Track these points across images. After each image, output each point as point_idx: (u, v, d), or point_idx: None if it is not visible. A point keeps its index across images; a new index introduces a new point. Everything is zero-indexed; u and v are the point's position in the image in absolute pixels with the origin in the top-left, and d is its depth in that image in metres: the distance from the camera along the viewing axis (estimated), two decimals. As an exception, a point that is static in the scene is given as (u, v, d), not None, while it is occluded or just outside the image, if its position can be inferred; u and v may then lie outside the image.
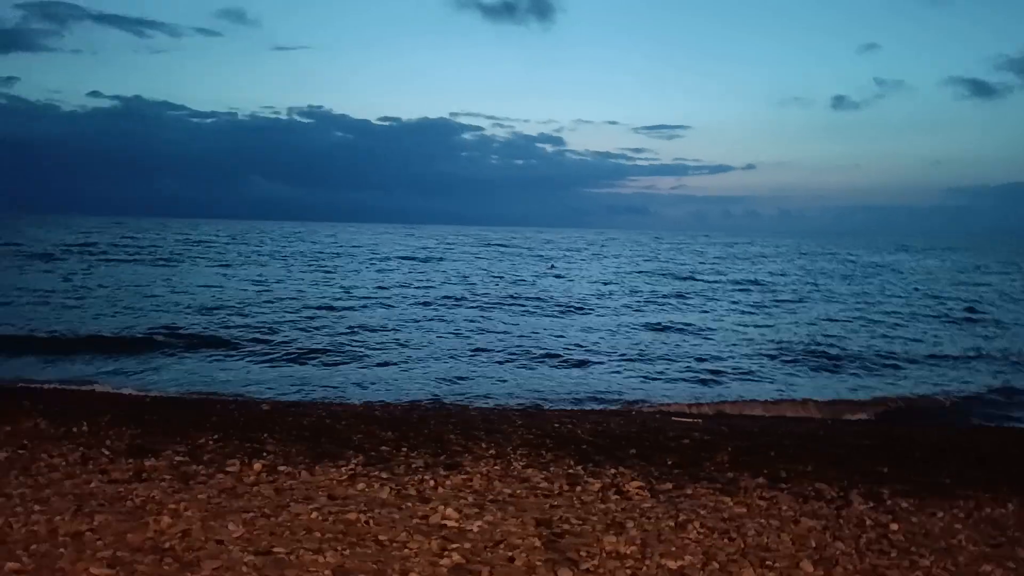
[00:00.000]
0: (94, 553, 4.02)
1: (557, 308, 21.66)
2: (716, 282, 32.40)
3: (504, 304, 22.10)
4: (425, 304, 21.45)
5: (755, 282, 32.64)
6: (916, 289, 31.03)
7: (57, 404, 8.27)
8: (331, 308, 19.79)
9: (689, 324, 18.98)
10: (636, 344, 15.91)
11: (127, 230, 74.36)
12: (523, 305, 22.13)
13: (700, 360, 14.24)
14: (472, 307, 21.24)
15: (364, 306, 20.61)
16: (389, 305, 21.10)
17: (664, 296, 26.09)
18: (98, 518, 4.54)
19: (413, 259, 44.52)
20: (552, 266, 40.23)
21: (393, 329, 16.63)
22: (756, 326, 19.15)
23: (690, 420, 9.25)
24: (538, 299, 23.60)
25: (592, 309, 21.88)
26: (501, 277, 32.52)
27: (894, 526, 5.18)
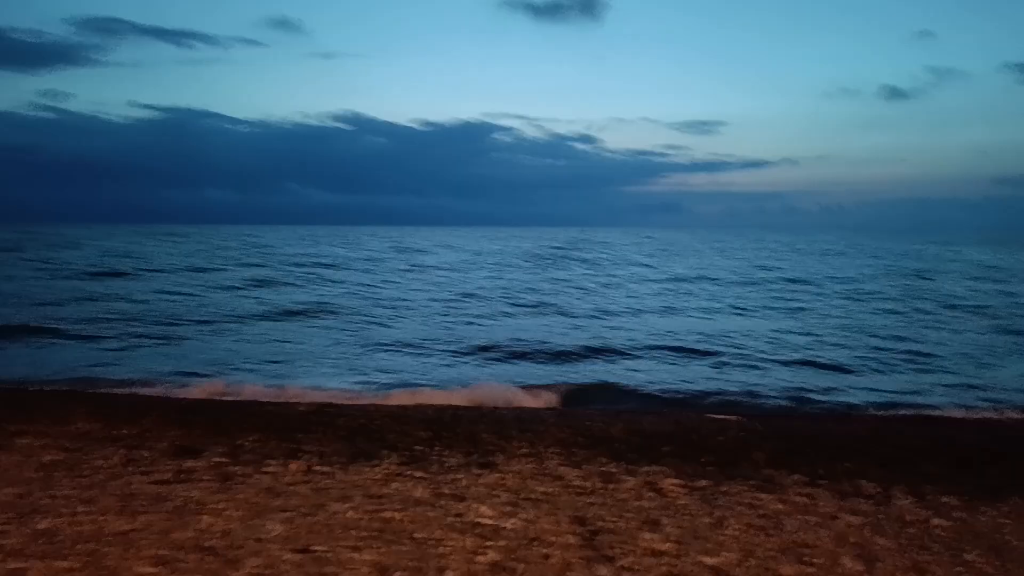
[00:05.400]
0: (139, 552, 4.11)
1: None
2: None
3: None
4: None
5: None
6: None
7: (103, 407, 8.46)
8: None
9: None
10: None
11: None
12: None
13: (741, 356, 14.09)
14: None
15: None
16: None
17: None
18: (142, 518, 4.64)
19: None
20: None
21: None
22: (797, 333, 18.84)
23: (725, 418, 9.15)
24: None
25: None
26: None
27: (937, 522, 5.09)
